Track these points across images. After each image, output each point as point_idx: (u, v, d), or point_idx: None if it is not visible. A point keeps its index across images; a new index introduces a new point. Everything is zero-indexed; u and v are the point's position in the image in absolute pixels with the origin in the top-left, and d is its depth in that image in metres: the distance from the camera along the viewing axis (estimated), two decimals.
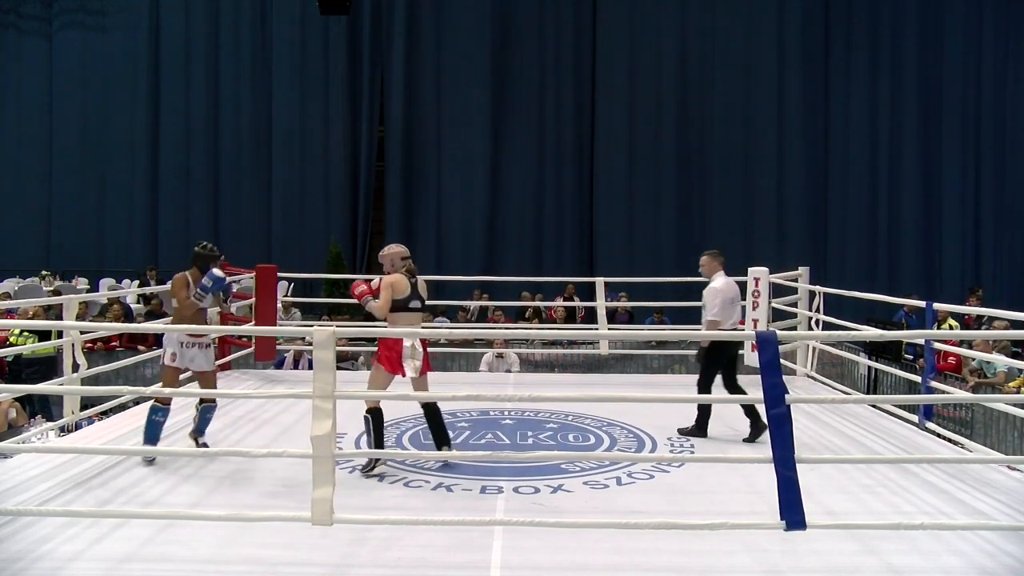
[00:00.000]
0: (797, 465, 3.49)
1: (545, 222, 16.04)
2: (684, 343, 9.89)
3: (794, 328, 8.19)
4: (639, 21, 15.97)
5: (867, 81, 15.73)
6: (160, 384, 5.38)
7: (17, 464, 4.92)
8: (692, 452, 5.62)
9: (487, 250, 15.82)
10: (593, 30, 15.97)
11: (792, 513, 3.47)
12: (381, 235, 16.02)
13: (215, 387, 5.49)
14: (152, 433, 5.14)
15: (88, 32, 16.52)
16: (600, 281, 9.41)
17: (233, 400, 6.58)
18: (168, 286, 5.39)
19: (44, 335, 8.09)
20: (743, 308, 8.17)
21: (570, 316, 12.20)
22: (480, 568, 3.59)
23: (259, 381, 8.04)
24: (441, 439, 5.05)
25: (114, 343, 10.64)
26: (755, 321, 7.89)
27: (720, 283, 6.09)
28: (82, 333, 6.41)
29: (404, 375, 4.91)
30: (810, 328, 7.99)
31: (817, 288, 7.98)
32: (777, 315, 8.42)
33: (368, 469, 4.87)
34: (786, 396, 3.53)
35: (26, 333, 8.71)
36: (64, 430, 6.14)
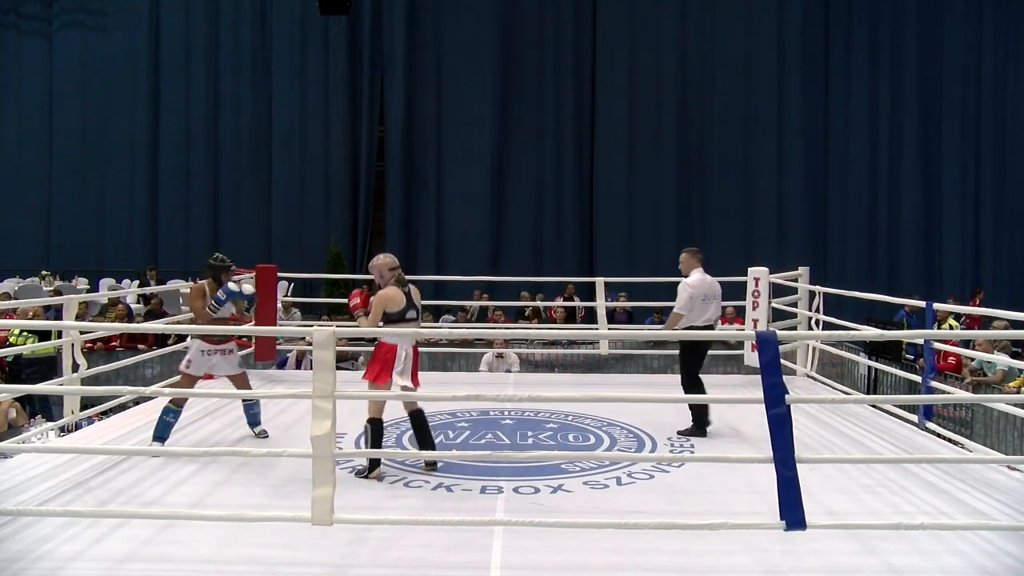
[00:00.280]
0: (797, 465, 3.49)
1: (545, 222, 16.04)
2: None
3: (794, 328, 8.19)
4: (639, 21, 15.97)
5: (867, 81, 15.74)
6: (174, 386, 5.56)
7: (17, 464, 4.92)
8: (692, 452, 5.62)
9: (487, 250, 15.81)
10: (593, 30, 15.97)
11: (792, 513, 3.47)
12: (381, 235, 16.04)
13: (248, 387, 5.70)
14: (161, 431, 5.31)
15: (88, 32, 16.53)
16: (600, 281, 9.40)
17: (233, 400, 6.58)
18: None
19: (44, 335, 8.09)
20: (743, 307, 8.23)
21: (570, 316, 12.20)
22: (480, 568, 3.59)
23: (260, 381, 8.02)
24: (426, 445, 5.02)
25: (114, 343, 10.65)
26: (755, 321, 7.90)
27: (693, 279, 6.16)
28: (82, 333, 6.42)
29: (390, 387, 4.84)
30: (810, 328, 7.99)
31: (817, 288, 7.97)
32: (777, 315, 8.41)
33: (363, 474, 4.86)
34: (786, 396, 3.53)
35: (26, 333, 8.71)
36: (64, 430, 6.14)
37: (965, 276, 15.54)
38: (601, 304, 9.19)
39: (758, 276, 7.95)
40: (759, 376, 3.58)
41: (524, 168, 16.00)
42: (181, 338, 8.27)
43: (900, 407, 6.46)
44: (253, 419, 5.76)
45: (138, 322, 10.84)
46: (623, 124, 16.00)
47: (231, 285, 5.49)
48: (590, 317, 10.83)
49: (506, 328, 10.67)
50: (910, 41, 15.66)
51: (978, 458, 5.32)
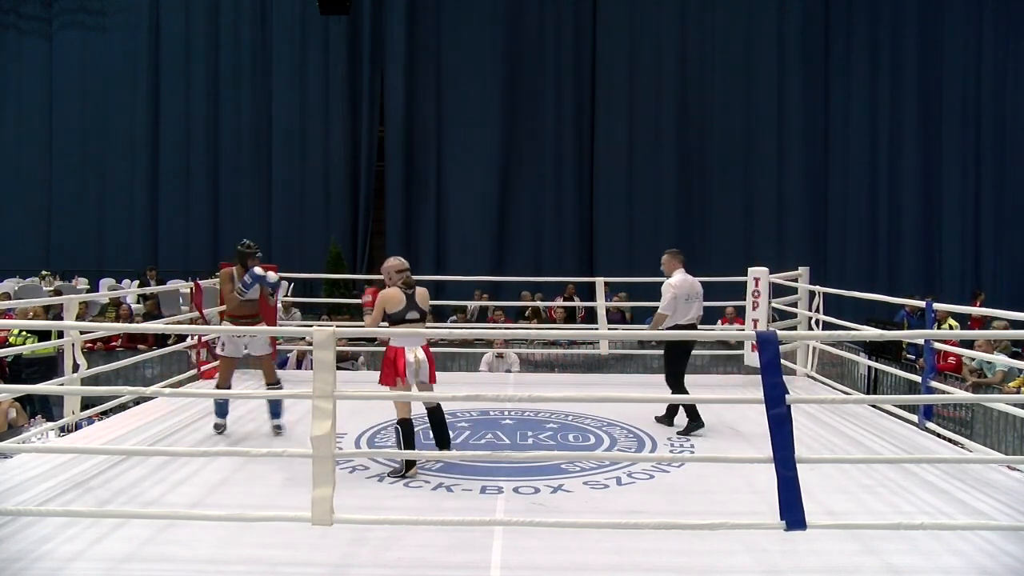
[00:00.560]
0: (797, 465, 3.49)
1: (545, 222, 16.03)
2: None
3: (794, 328, 8.19)
4: (639, 21, 15.97)
5: (867, 81, 15.73)
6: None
7: (17, 464, 4.92)
8: (692, 452, 5.62)
9: (487, 250, 15.80)
10: (593, 30, 15.97)
11: (792, 513, 3.48)
12: (381, 235, 16.04)
13: (272, 371, 6.13)
14: (220, 409, 5.84)
15: (88, 32, 16.53)
16: (600, 281, 9.41)
17: (233, 400, 6.57)
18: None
19: (44, 335, 8.08)
20: (743, 307, 8.22)
21: (570, 316, 12.20)
22: (480, 568, 3.59)
23: (260, 381, 8.01)
24: (443, 442, 5.10)
25: (114, 343, 10.64)
26: (755, 321, 7.90)
27: (676, 280, 6.25)
28: (82, 333, 6.42)
29: (406, 387, 4.90)
30: (810, 328, 7.99)
31: (817, 288, 7.98)
32: (777, 315, 8.42)
33: (400, 472, 4.83)
34: (786, 396, 3.53)
35: (26, 333, 8.71)
36: (64, 430, 6.13)
37: (965, 276, 15.53)
38: (601, 304, 9.19)
39: (758, 276, 7.96)
40: (759, 376, 3.59)
41: (524, 168, 16.00)
42: (181, 338, 8.28)
43: (900, 407, 6.46)
44: (275, 409, 5.93)
45: (137, 323, 10.83)
46: (623, 124, 15.98)
47: (257, 270, 5.81)
48: (590, 317, 10.82)
49: (506, 328, 10.67)
50: (910, 41, 15.65)
51: (978, 458, 5.32)
